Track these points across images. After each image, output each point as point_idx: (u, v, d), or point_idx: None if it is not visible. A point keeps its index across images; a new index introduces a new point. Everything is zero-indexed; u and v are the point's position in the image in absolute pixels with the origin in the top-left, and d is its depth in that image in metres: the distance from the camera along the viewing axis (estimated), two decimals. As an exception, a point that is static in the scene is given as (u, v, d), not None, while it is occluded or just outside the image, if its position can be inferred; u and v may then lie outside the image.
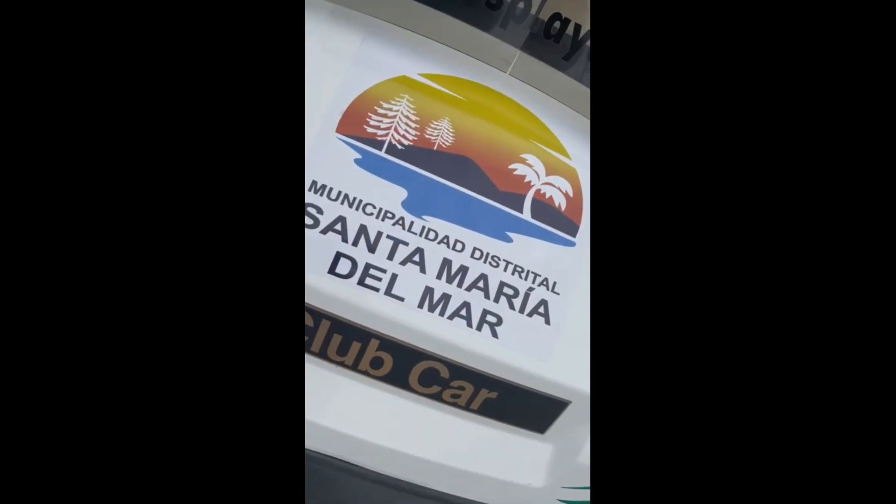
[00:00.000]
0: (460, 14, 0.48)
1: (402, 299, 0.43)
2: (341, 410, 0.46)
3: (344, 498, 0.48)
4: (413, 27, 0.48)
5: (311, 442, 0.46)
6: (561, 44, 0.48)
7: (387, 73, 0.46)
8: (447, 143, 0.46)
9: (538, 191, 0.48)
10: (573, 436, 0.50)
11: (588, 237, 0.48)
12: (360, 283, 0.42)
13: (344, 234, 0.42)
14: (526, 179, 0.48)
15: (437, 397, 0.46)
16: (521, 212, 0.47)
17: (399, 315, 0.43)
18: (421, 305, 0.43)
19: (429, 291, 0.43)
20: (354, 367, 0.45)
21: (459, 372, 0.45)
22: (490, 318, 0.44)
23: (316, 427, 0.46)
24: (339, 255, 0.42)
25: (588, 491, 0.52)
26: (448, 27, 0.50)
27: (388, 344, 0.43)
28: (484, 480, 0.50)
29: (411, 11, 0.47)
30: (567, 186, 0.49)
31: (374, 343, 0.43)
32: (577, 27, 0.48)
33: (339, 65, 0.46)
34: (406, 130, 0.45)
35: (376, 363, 0.44)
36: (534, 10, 0.48)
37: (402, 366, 0.44)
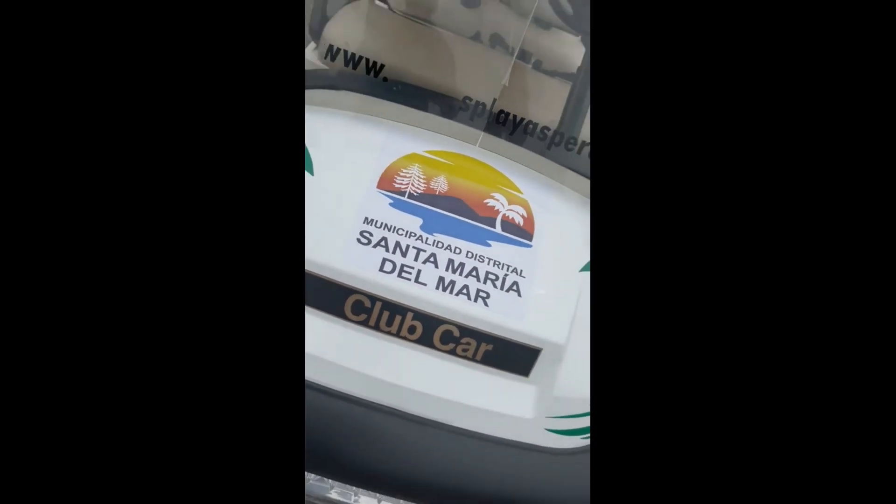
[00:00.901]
0: (445, 114, 0.78)
1: (425, 285, 0.67)
2: (388, 365, 0.68)
3: (371, 433, 0.67)
4: (418, 124, 0.78)
5: (357, 389, 0.67)
6: (507, 126, 0.79)
7: (404, 152, 0.75)
8: (444, 190, 0.74)
9: (504, 215, 0.75)
10: (549, 377, 0.72)
11: (541, 242, 0.74)
12: (399, 276, 0.67)
13: (386, 247, 0.68)
14: (496, 208, 0.75)
15: (452, 352, 0.69)
16: (494, 228, 0.73)
17: (424, 295, 0.67)
18: (437, 288, 0.67)
19: (441, 279, 0.68)
20: (397, 335, 0.68)
21: (466, 331, 0.68)
22: (482, 294, 0.69)
23: (366, 377, 0.67)
24: (384, 260, 0.67)
25: (569, 419, 0.73)
26: (437, 122, 0.80)
27: (419, 315, 0.67)
28: (491, 416, 0.71)
29: (416, 115, 0.77)
30: (522, 211, 0.76)
31: (409, 315, 0.67)
32: (515, 116, 0.79)
33: (373, 151, 0.75)
34: (418, 184, 0.73)
35: (412, 330, 0.68)
36: (488, 108, 0.79)
37: (428, 330, 0.68)
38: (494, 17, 1.38)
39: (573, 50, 1.23)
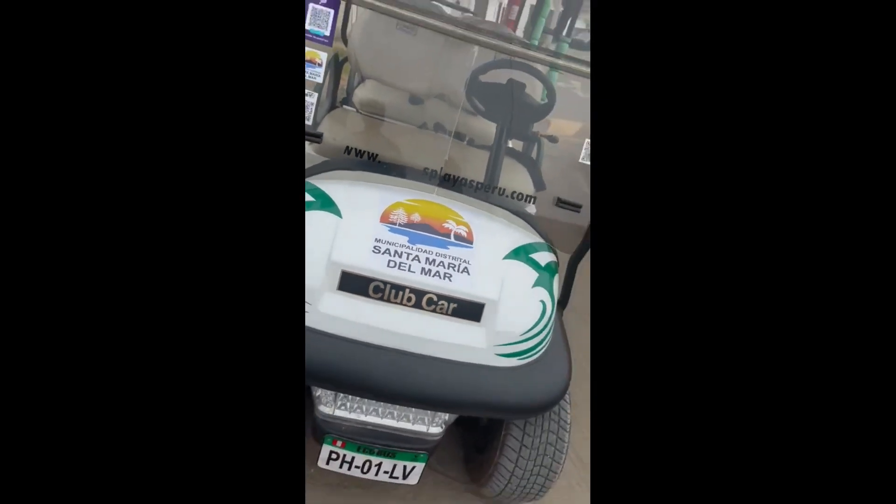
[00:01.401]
0: (413, 178, 1.33)
1: (414, 273, 1.17)
2: (396, 322, 1.16)
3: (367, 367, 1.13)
4: (398, 185, 1.32)
5: (377, 339, 1.14)
6: (450, 182, 1.34)
7: (392, 202, 1.28)
8: (418, 220, 1.26)
9: (455, 231, 1.27)
10: (491, 320, 1.21)
11: (478, 245, 1.27)
12: (398, 269, 1.17)
13: (389, 254, 1.18)
14: (449, 228, 1.28)
15: (433, 311, 1.18)
16: (450, 238, 1.25)
17: (414, 278, 1.17)
18: (421, 273, 1.17)
19: (423, 269, 1.18)
20: (400, 303, 1.17)
21: (440, 297, 1.17)
22: (447, 275, 1.19)
23: (382, 330, 1.15)
24: (388, 261, 1.17)
25: (508, 346, 1.22)
26: (409, 183, 1.34)
27: (412, 290, 1.16)
28: (460, 348, 1.19)
29: (395, 180, 1.32)
30: (465, 229, 1.28)
31: (406, 290, 1.16)
32: (456, 176, 1.34)
33: (374, 202, 1.27)
34: (403, 218, 1.25)
35: (409, 300, 1.17)
36: (439, 173, 1.35)
37: (418, 299, 1.17)
38: (435, 111, 2.01)
39: (490, 128, 1.83)
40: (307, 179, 1.30)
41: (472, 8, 3.45)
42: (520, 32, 3.44)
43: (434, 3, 3.29)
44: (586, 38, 2.21)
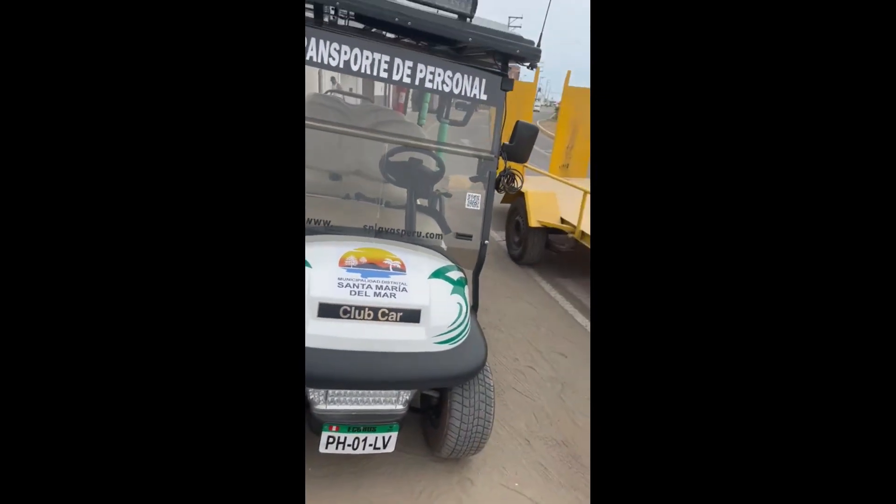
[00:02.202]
0: (357, 234, 1.89)
1: (369, 296, 1.70)
2: (360, 332, 1.66)
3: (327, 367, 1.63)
4: (347, 239, 1.87)
5: (346, 346, 1.64)
6: (382, 233, 1.92)
7: (344, 251, 1.81)
8: (365, 261, 1.79)
9: (392, 265, 1.83)
10: (426, 320, 1.75)
11: (409, 272, 1.83)
12: (358, 295, 1.68)
13: (349, 286, 1.70)
14: (388, 263, 1.83)
15: (386, 320, 1.70)
16: (389, 270, 1.80)
17: (370, 300, 1.68)
18: (374, 296, 1.70)
19: (374, 293, 1.71)
20: (363, 319, 1.67)
21: (390, 310, 1.70)
22: (392, 294, 1.72)
23: (350, 339, 1.65)
24: (350, 290, 1.68)
25: (441, 336, 1.77)
26: (355, 237, 1.90)
27: (370, 308, 1.68)
28: (407, 343, 1.71)
29: (345, 237, 1.87)
30: (399, 262, 1.84)
31: (366, 309, 1.67)
32: (385, 228, 1.92)
33: (332, 254, 1.80)
34: (354, 261, 1.78)
35: (368, 315, 1.68)
36: (374, 228, 1.92)
37: (375, 313, 1.69)
38: (355, 183, 2.62)
39: (403, 193, 2.46)
40: None
41: (362, 93, 4.18)
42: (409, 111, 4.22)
43: (336, 94, 3.98)
44: (459, 116, 2.98)
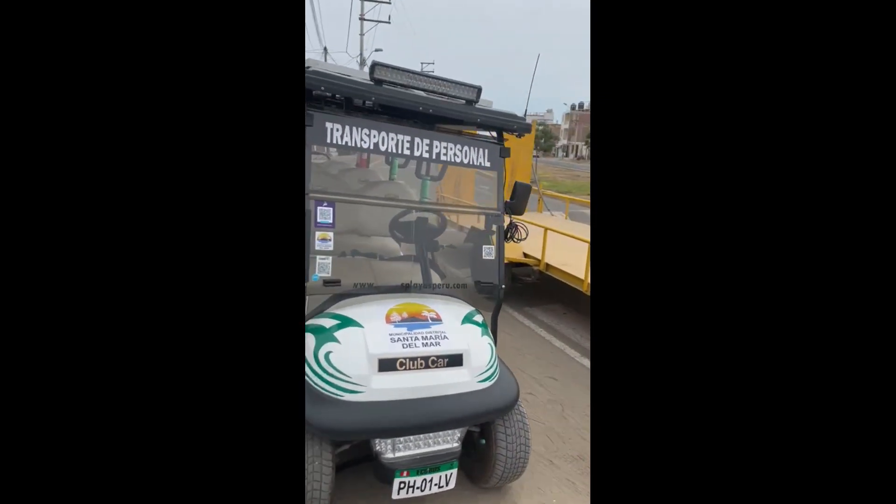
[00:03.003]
0: (395, 290, 2.09)
1: (419, 347, 1.89)
2: (416, 381, 1.85)
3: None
4: (389, 297, 2.06)
5: (405, 395, 1.82)
6: (416, 289, 2.14)
7: (388, 308, 2.00)
8: (406, 316, 1.99)
9: (430, 316, 2.04)
10: (468, 363, 1.98)
11: (445, 321, 2.05)
12: (410, 348, 1.87)
13: (400, 340, 1.88)
14: (426, 315, 2.04)
15: (436, 367, 1.90)
16: (428, 322, 2.01)
17: (419, 351, 1.88)
18: (423, 346, 1.90)
19: (423, 343, 1.91)
20: (417, 368, 1.86)
21: (437, 357, 1.91)
22: (436, 343, 1.94)
23: (408, 389, 1.83)
24: (402, 344, 1.87)
25: (481, 375, 1.99)
26: (395, 294, 2.10)
27: (422, 358, 1.87)
28: (455, 385, 1.91)
29: (386, 294, 2.06)
30: (434, 314, 2.06)
31: (419, 359, 1.87)
32: (419, 284, 2.15)
33: (376, 312, 1.98)
34: (397, 317, 1.98)
35: (420, 365, 1.87)
36: (411, 284, 2.14)
37: (426, 362, 1.88)
38: (347, 241, 2.82)
39: (394, 246, 2.69)
40: (330, 310, 1.95)
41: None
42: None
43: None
44: (437, 174, 3.30)
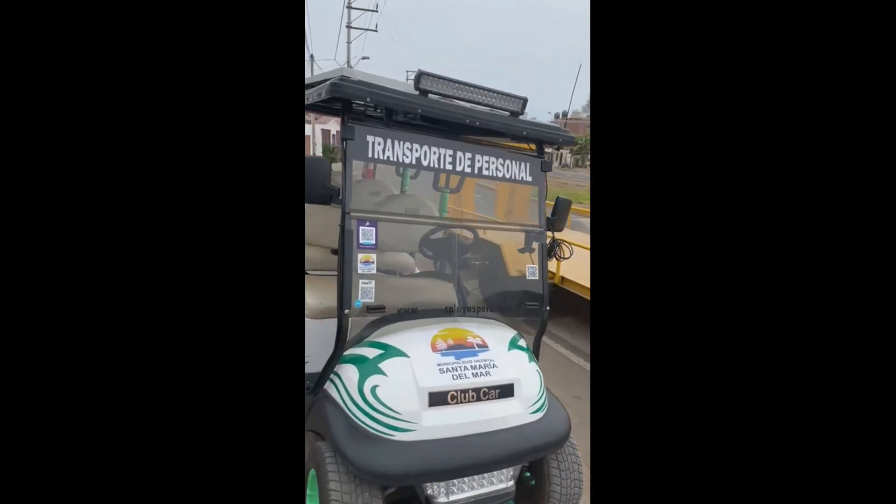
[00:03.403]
0: (439, 314, 1.95)
1: (468, 378, 1.75)
2: (467, 414, 1.70)
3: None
4: (432, 323, 1.91)
5: (452, 432, 1.68)
6: (462, 313, 2.00)
7: (431, 335, 1.85)
8: (452, 343, 1.85)
9: (475, 343, 1.90)
10: (520, 393, 1.84)
11: (492, 347, 1.91)
12: (460, 379, 1.73)
13: (450, 370, 1.74)
14: (471, 341, 1.90)
15: (488, 399, 1.76)
16: (475, 349, 1.87)
17: (471, 382, 1.74)
18: (473, 377, 1.76)
19: (473, 372, 1.77)
20: (469, 401, 1.71)
21: (490, 388, 1.77)
22: (486, 372, 1.80)
23: (460, 424, 1.69)
24: (452, 375, 1.73)
25: (532, 406, 1.86)
26: (440, 318, 1.95)
27: (473, 390, 1.73)
28: (507, 418, 1.77)
29: (431, 318, 1.92)
30: (480, 339, 1.92)
31: (470, 391, 1.72)
32: (464, 309, 2.01)
33: (421, 338, 1.83)
34: (443, 344, 1.83)
35: (472, 397, 1.73)
36: (455, 307, 2.00)
37: (478, 394, 1.74)
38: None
39: (411, 262, 2.54)
40: (371, 338, 1.80)
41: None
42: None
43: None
44: (455, 186, 3.18)
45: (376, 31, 19.32)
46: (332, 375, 1.77)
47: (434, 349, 1.80)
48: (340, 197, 1.70)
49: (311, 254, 2.92)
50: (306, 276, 2.73)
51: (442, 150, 1.91)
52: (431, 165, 1.90)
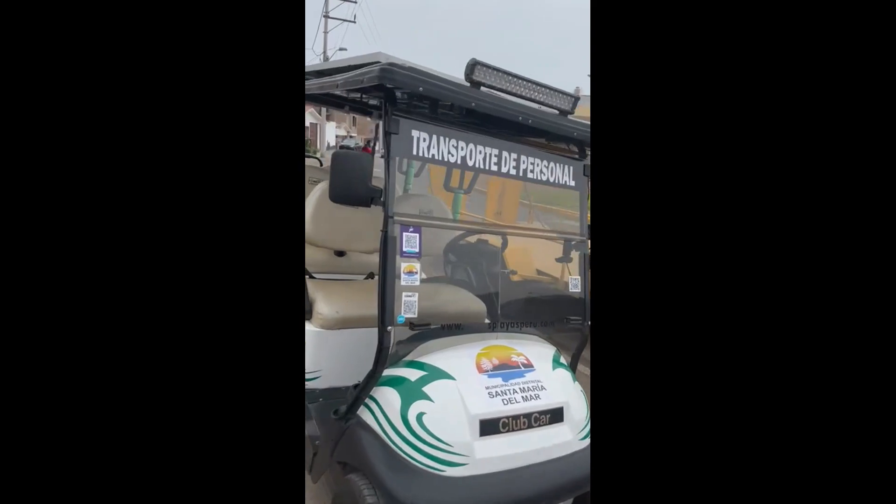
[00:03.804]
0: (480, 329, 1.77)
1: (519, 402, 1.59)
2: (518, 445, 1.54)
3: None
4: (476, 339, 1.73)
5: (505, 464, 1.51)
6: (504, 327, 1.83)
7: (474, 354, 1.68)
8: (497, 363, 1.68)
9: (519, 361, 1.74)
10: (569, 417, 1.70)
11: (537, 367, 1.75)
12: (510, 403, 1.56)
13: (499, 395, 1.57)
14: (515, 360, 1.74)
15: (539, 425, 1.60)
16: (521, 369, 1.71)
17: (521, 406, 1.58)
18: (523, 401, 1.59)
19: (523, 396, 1.61)
20: (521, 428, 1.55)
21: (541, 413, 1.61)
22: (536, 395, 1.64)
23: (512, 456, 1.52)
24: (502, 399, 1.56)
25: (582, 432, 1.71)
26: (482, 334, 1.77)
27: (524, 416, 1.57)
28: (558, 446, 1.62)
29: (475, 335, 1.73)
30: (524, 358, 1.76)
31: (521, 417, 1.56)
32: (504, 324, 1.84)
33: (465, 355, 1.65)
34: (488, 364, 1.66)
35: (524, 423, 1.57)
36: (496, 324, 1.82)
37: (530, 420, 1.58)
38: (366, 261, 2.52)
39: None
40: (411, 358, 1.61)
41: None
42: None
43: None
44: (467, 186, 3.00)
45: (354, 21, 18.86)
46: (367, 400, 1.57)
47: (480, 370, 1.62)
48: (382, 199, 1.50)
49: (314, 255, 2.68)
50: (315, 279, 2.50)
51: (488, 150, 1.74)
52: (476, 166, 1.72)
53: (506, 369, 1.67)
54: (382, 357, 1.49)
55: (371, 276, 2.98)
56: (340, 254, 2.96)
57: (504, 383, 1.61)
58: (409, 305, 1.54)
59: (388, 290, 1.47)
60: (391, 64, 1.42)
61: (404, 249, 1.53)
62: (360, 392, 1.55)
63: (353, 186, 1.45)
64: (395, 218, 1.51)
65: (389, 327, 1.48)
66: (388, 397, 1.52)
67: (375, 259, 3.03)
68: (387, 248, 1.48)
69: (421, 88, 1.43)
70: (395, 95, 1.52)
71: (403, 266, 1.53)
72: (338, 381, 2.24)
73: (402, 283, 1.52)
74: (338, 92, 1.56)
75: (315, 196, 2.55)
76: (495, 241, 2.27)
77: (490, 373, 1.62)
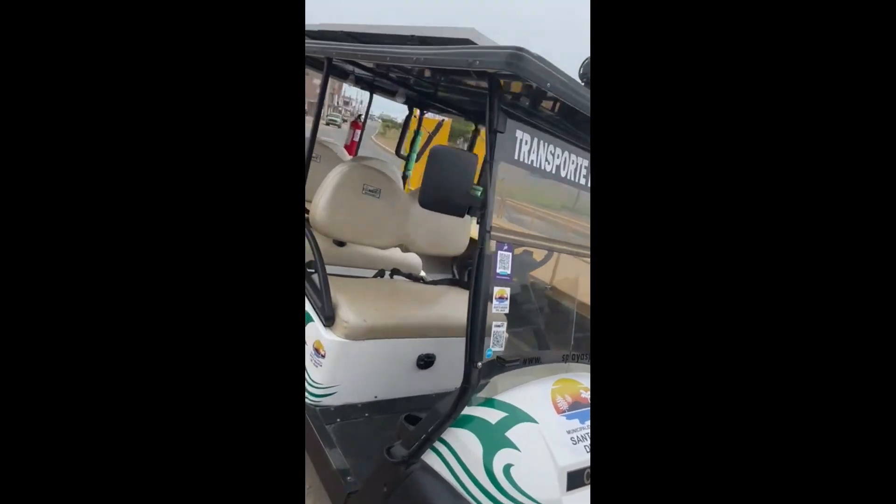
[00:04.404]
0: (552, 360, 1.58)
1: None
2: None
3: None
4: (548, 373, 1.54)
5: None
6: (572, 360, 1.65)
7: (547, 391, 1.49)
8: (571, 400, 1.51)
9: (586, 398, 1.58)
10: None
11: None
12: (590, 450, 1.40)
13: (581, 441, 1.40)
14: (585, 397, 1.57)
15: None
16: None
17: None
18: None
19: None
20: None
21: None
22: None
23: None
24: (584, 446, 1.39)
25: None
26: (554, 366, 1.58)
27: None
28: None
29: (551, 367, 1.54)
30: (581, 389, 1.60)
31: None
32: (575, 356, 1.66)
33: (540, 393, 1.46)
34: (563, 402, 1.48)
35: None
36: (568, 356, 1.64)
37: None
38: (376, 255, 2.28)
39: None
40: (487, 394, 1.38)
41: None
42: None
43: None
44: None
45: (316, -20, 17.58)
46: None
47: (558, 410, 1.44)
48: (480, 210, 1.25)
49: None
50: (336, 279, 2.18)
51: (579, 161, 1.54)
52: (568, 178, 1.51)
53: (579, 408, 1.50)
54: (466, 398, 1.26)
55: (381, 273, 2.69)
56: (340, 244, 2.65)
57: (581, 426, 1.44)
58: (497, 337, 1.32)
59: (480, 319, 1.24)
60: (520, 49, 1.16)
61: (497, 271, 1.30)
62: (431, 434, 1.31)
63: (452, 193, 1.19)
64: (493, 234, 1.27)
65: (479, 363, 1.25)
66: (464, 442, 1.30)
67: (375, 252, 2.74)
68: (481, 269, 1.24)
69: (549, 84, 1.19)
70: (500, 86, 1.26)
71: (494, 291, 1.30)
72: (352, 397, 1.97)
73: (493, 308, 1.29)
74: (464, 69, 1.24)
75: (333, 180, 2.21)
76: (538, 254, 2.08)
77: (567, 413, 1.45)
